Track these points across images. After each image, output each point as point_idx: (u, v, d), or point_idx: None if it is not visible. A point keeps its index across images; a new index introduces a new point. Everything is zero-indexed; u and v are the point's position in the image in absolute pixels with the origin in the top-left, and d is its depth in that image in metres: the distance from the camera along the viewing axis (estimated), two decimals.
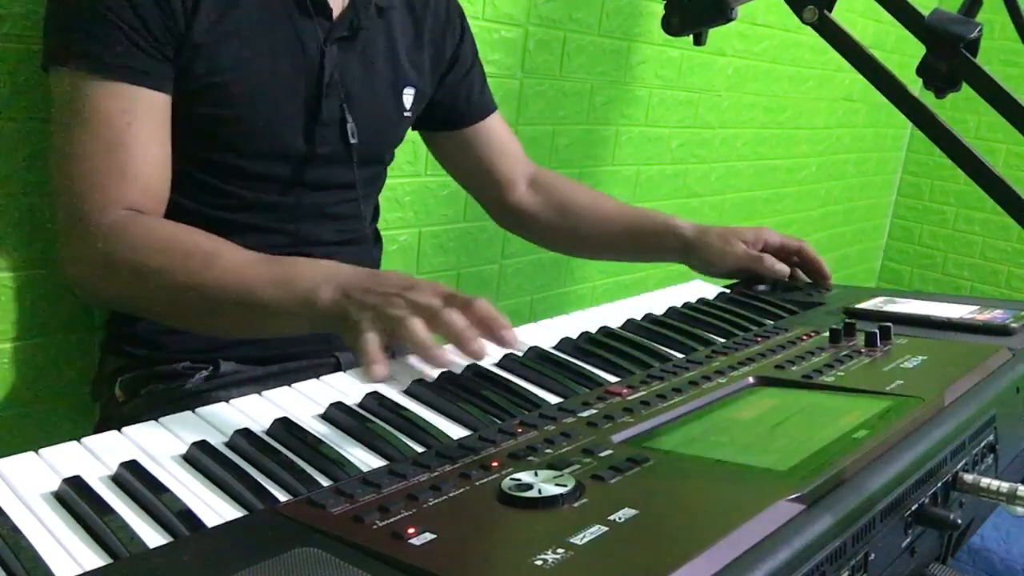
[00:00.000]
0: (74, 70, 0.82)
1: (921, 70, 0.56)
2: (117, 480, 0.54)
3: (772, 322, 0.95)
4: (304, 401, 0.67)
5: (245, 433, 0.60)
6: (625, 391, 0.70)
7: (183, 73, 0.87)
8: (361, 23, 0.98)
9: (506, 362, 0.78)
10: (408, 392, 0.70)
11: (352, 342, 0.70)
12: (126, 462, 0.54)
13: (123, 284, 0.82)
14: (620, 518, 0.47)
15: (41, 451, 0.56)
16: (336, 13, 0.96)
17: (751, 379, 0.74)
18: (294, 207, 0.99)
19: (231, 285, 0.77)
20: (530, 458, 0.56)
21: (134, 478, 0.53)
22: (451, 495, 0.51)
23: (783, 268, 1.14)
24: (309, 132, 0.96)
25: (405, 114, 1.08)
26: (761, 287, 1.12)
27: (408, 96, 1.07)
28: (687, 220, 1.19)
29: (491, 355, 0.78)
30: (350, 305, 0.71)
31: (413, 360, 0.76)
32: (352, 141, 0.98)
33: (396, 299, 0.70)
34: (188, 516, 0.50)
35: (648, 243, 1.21)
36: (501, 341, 0.70)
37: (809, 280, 1.18)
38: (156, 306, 0.83)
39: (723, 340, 0.87)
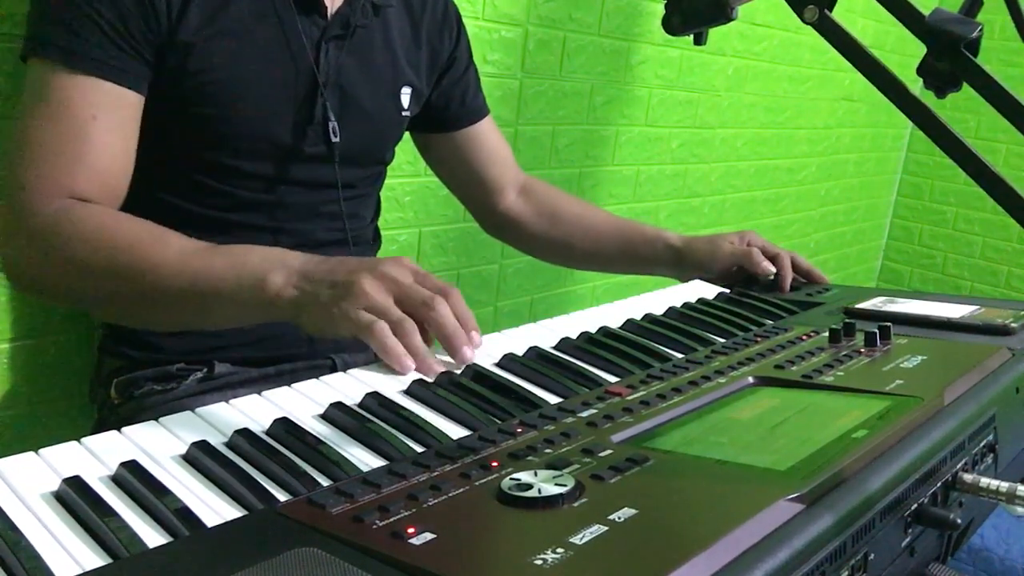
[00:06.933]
0: (47, 60, 0.82)
1: (921, 70, 0.56)
2: (117, 480, 0.54)
3: (772, 322, 0.95)
4: (304, 401, 0.67)
5: (245, 433, 0.60)
6: (625, 391, 0.70)
7: (173, 73, 0.87)
8: (356, 21, 0.97)
9: (506, 362, 0.78)
10: (408, 392, 0.70)
11: (349, 330, 0.69)
12: (126, 462, 0.54)
13: (59, 273, 0.80)
14: (620, 518, 0.47)
15: (41, 451, 0.56)
16: (331, 11, 0.96)
17: (751, 379, 0.74)
18: (288, 206, 0.99)
19: (177, 271, 0.75)
20: (530, 458, 0.56)
21: (134, 478, 0.53)
22: (451, 495, 0.50)
23: (769, 265, 1.15)
24: (301, 131, 0.95)
25: (403, 113, 1.07)
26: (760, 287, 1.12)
27: (406, 95, 1.07)
28: (675, 232, 1.24)
29: (487, 356, 0.79)
30: (316, 287, 0.69)
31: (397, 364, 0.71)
32: (334, 140, 0.97)
33: (366, 276, 0.69)
34: (188, 516, 0.50)
35: (638, 254, 1.24)
36: (462, 356, 0.73)
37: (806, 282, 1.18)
38: (96, 295, 0.81)
39: (723, 340, 0.87)
